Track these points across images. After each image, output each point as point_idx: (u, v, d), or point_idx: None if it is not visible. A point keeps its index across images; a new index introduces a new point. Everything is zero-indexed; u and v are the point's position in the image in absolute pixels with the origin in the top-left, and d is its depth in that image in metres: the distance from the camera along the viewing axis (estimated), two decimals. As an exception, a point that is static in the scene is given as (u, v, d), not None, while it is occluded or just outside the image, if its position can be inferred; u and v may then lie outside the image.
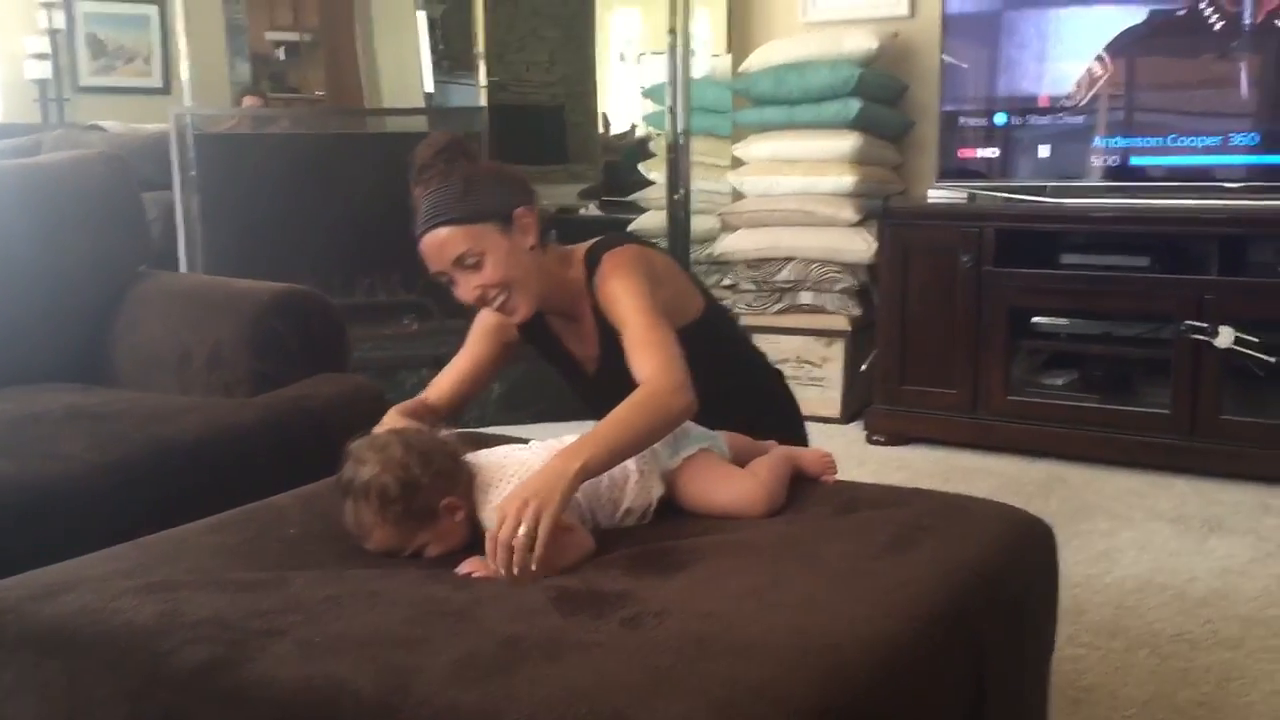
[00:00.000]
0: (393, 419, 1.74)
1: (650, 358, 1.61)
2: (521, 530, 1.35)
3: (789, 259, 3.97)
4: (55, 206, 2.52)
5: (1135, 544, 2.72)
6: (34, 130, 5.43)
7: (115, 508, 1.83)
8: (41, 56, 6.44)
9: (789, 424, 2.04)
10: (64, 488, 1.81)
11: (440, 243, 1.70)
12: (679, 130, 3.96)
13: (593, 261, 1.78)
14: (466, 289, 1.73)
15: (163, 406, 2.16)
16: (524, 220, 1.74)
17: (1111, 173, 3.47)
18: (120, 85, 6.76)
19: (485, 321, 1.92)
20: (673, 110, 3.96)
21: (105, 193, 2.61)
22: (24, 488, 1.78)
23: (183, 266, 3.86)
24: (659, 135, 4.45)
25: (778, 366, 2.16)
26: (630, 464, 1.55)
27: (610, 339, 1.73)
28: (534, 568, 1.34)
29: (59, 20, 6.51)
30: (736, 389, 1.96)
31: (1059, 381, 3.57)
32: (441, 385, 1.90)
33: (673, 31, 3.88)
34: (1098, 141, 3.48)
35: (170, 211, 3.92)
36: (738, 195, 4.19)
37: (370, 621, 1.21)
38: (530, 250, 1.74)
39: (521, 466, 1.51)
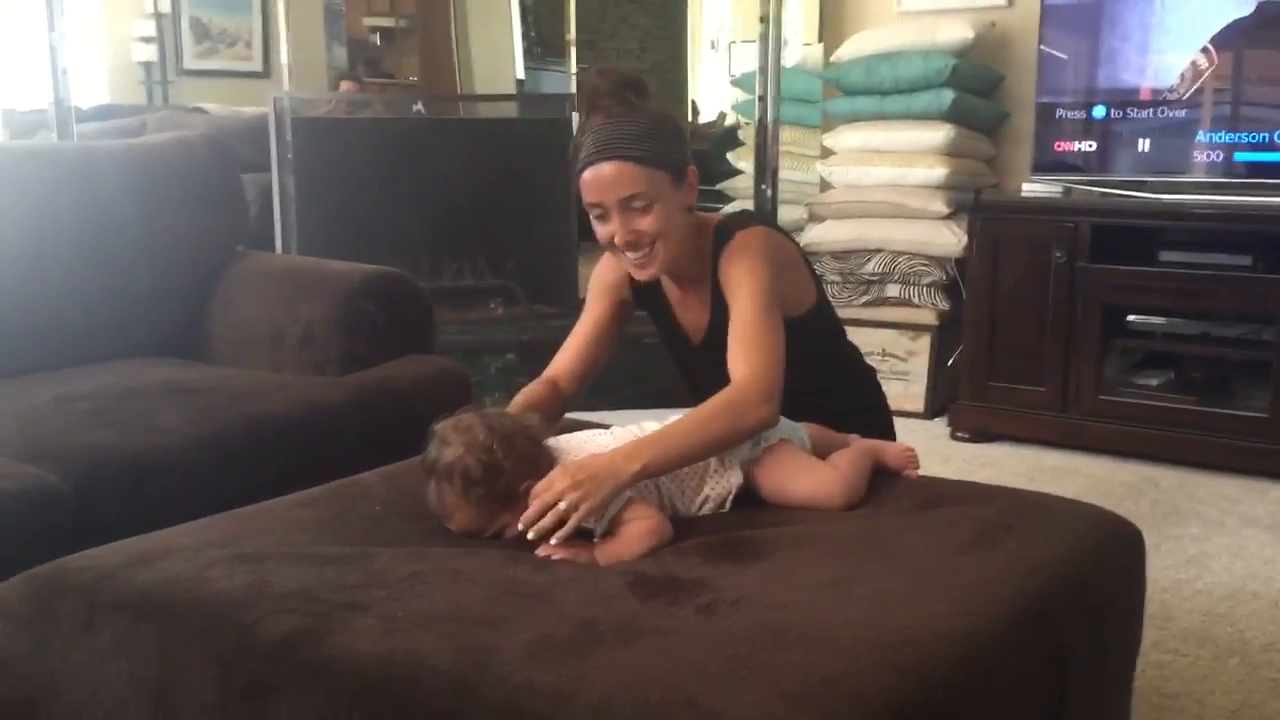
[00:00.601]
0: (517, 407, 1.73)
1: (748, 357, 1.60)
2: (562, 505, 1.39)
3: (877, 251, 3.94)
4: (158, 186, 2.58)
5: (1228, 550, 2.65)
6: (139, 112, 5.60)
7: (209, 480, 1.89)
8: (148, 39, 6.62)
9: (878, 425, 2.00)
10: (161, 459, 1.87)
11: (616, 176, 1.64)
12: (769, 119, 3.93)
13: (723, 235, 1.76)
14: (622, 230, 1.67)
15: (256, 383, 2.21)
16: (693, 178, 1.73)
17: (1214, 169, 3.37)
18: (222, 69, 6.91)
19: (604, 279, 1.91)
20: (763, 99, 3.93)
21: (206, 174, 2.67)
22: (124, 458, 1.84)
23: (278, 247, 3.94)
24: (748, 124, 4.43)
25: (870, 364, 2.14)
26: (711, 453, 1.56)
27: (722, 312, 1.71)
28: (553, 542, 1.39)
29: (165, 4, 6.68)
30: (833, 385, 1.94)
31: (1153, 382, 3.49)
32: (565, 356, 1.89)
33: (764, 20, 3.85)
34: (1201, 136, 3.38)
35: (267, 193, 4.01)
36: (826, 185, 4.16)
37: (451, 599, 1.23)
38: (684, 210, 1.73)
39: (601, 452, 1.52)
